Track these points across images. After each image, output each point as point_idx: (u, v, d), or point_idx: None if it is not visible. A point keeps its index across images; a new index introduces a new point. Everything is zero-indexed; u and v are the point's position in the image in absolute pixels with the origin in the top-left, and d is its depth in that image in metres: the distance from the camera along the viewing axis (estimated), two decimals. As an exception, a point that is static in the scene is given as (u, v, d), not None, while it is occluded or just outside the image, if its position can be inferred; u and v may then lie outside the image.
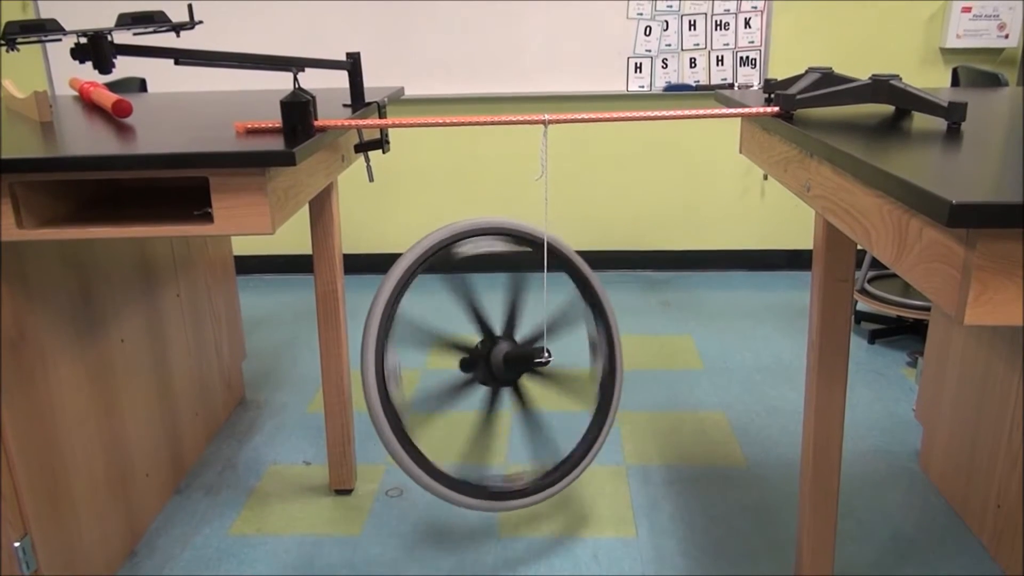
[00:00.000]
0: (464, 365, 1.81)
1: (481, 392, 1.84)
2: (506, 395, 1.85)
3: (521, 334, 1.83)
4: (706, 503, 2.08)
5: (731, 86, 3.49)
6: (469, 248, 1.76)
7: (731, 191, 3.71)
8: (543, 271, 1.75)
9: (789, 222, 3.75)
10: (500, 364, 1.79)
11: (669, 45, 3.43)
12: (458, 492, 1.77)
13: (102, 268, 1.81)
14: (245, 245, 3.88)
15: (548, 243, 1.78)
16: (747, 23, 3.40)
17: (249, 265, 3.93)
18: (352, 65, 1.76)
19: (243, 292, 3.71)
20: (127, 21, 1.50)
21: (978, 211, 0.83)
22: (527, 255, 1.78)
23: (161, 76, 3.42)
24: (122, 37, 1.42)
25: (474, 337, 1.82)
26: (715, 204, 3.73)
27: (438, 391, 1.84)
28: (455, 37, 3.44)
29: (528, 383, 1.84)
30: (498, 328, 1.82)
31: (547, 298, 1.82)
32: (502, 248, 1.78)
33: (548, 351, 1.79)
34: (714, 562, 1.86)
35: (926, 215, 0.90)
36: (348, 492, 2.15)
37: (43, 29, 1.42)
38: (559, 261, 1.82)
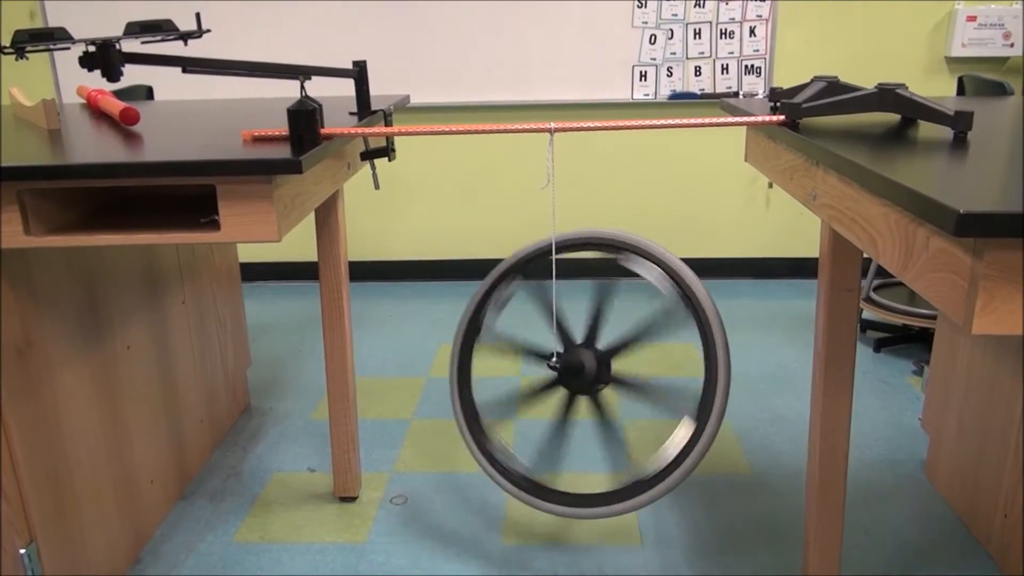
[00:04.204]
0: (554, 368, 1.84)
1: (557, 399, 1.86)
2: (583, 403, 1.86)
3: (604, 342, 1.83)
4: (711, 512, 2.07)
5: (736, 95, 3.49)
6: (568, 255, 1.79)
7: (736, 199, 3.71)
8: (627, 277, 1.80)
9: (794, 231, 3.75)
10: (578, 372, 1.80)
11: (674, 54, 3.44)
12: (521, 489, 1.83)
13: (108, 275, 1.82)
14: (250, 252, 3.89)
15: (650, 249, 1.79)
16: (752, 32, 3.40)
17: (254, 272, 3.94)
18: (358, 73, 1.76)
19: (248, 299, 3.71)
20: (135, 30, 1.51)
21: (986, 220, 0.83)
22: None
23: (168, 84, 3.44)
24: (130, 45, 1.43)
25: (553, 346, 1.84)
26: (720, 212, 3.73)
27: (519, 393, 1.86)
28: (461, 45, 3.45)
29: (610, 393, 1.84)
30: (580, 336, 1.82)
31: (556, 303, 1.82)
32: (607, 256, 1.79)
33: (556, 355, 1.79)
34: (719, 571, 1.85)
35: (933, 224, 0.89)
36: (352, 500, 2.15)
37: (52, 38, 1.43)
38: (666, 271, 1.81)
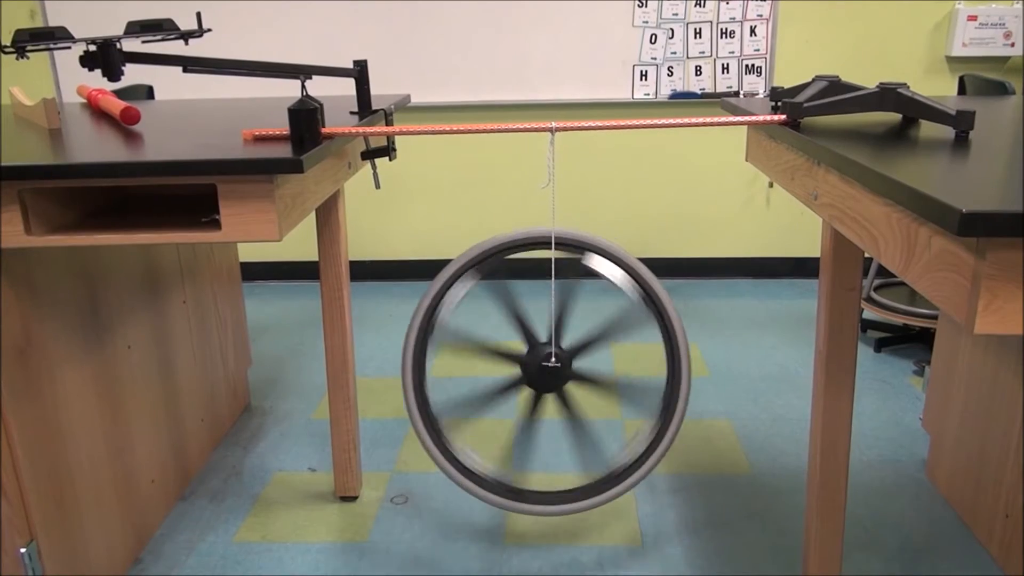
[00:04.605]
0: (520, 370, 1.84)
1: (520, 398, 1.85)
2: (550, 401, 1.86)
3: (568, 341, 1.83)
4: (712, 511, 2.07)
5: (737, 94, 3.49)
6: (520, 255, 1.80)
7: (736, 199, 3.71)
8: (567, 277, 1.78)
9: (794, 230, 3.75)
10: (541, 371, 1.80)
11: (675, 53, 3.44)
12: (491, 492, 1.82)
13: (109, 275, 1.82)
14: (251, 252, 3.89)
15: (612, 250, 1.80)
16: (752, 31, 3.40)
17: (255, 272, 3.93)
18: (359, 73, 1.76)
19: (249, 299, 3.71)
20: (136, 29, 1.51)
21: (988, 220, 0.83)
22: (577, 261, 1.80)
23: (168, 83, 3.44)
24: (131, 45, 1.43)
25: (519, 345, 1.83)
26: (720, 212, 3.73)
27: (483, 392, 1.86)
28: (462, 45, 3.45)
29: (575, 390, 1.85)
30: (543, 335, 1.83)
31: (553, 300, 1.83)
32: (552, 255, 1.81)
33: (557, 355, 1.80)
34: (719, 570, 1.85)
35: (936, 224, 0.89)
36: (353, 499, 2.15)
37: (52, 37, 1.43)
38: (621, 267, 1.83)
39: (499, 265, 1.80)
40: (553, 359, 1.79)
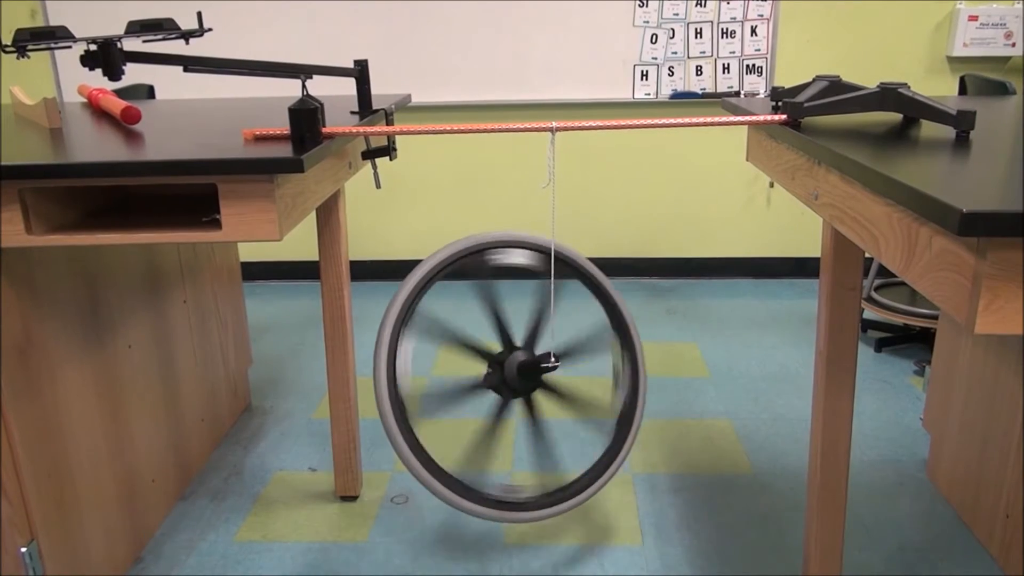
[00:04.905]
0: (487, 371, 1.83)
1: (491, 400, 1.84)
2: (517, 406, 1.84)
3: (542, 347, 1.82)
4: (712, 511, 2.07)
5: (737, 94, 3.49)
6: (493, 259, 1.78)
7: (737, 199, 3.70)
8: (554, 278, 1.77)
9: (794, 230, 3.75)
10: (514, 374, 1.79)
11: (675, 53, 3.43)
12: (465, 498, 1.77)
13: (110, 275, 1.82)
14: (251, 251, 3.89)
15: (582, 267, 1.80)
16: (753, 31, 3.40)
17: (255, 271, 3.93)
18: (360, 72, 1.76)
19: (249, 298, 3.71)
20: (136, 28, 1.51)
21: (989, 220, 0.83)
22: (552, 267, 1.79)
23: (169, 83, 3.44)
24: (131, 44, 1.43)
25: (494, 345, 1.82)
26: (721, 212, 3.72)
27: (448, 390, 1.85)
28: (462, 45, 3.45)
29: (541, 397, 1.84)
30: (519, 338, 1.81)
31: (554, 306, 1.82)
32: (524, 261, 1.80)
33: (555, 356, 1.79)
34: (719, 570, 1.85)
35: (936, 224, 0.89)
36: (354, 499, 2.15)
37: (53, 36, 1.43)
38: (588, 285, 1.83)
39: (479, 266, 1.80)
40: (552, 359, 1.79)
